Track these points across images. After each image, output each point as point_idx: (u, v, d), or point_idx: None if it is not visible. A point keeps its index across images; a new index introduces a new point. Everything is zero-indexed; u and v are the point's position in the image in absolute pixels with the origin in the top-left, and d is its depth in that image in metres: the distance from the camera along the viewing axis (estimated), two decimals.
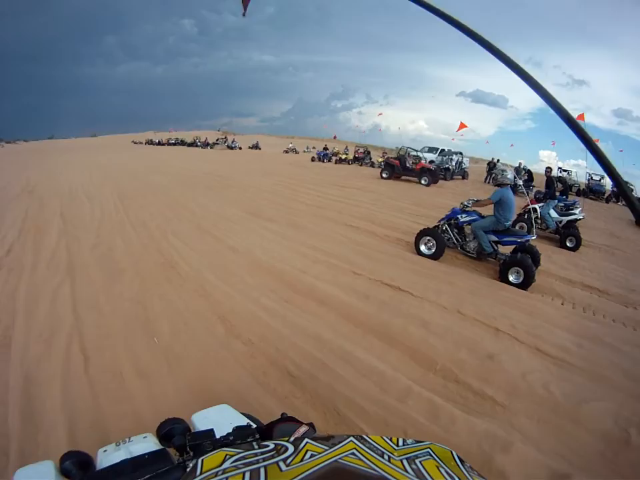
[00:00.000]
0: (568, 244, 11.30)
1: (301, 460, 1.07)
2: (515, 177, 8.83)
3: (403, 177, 23.46)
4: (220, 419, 1.92)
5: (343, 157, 32.98)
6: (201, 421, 1.95)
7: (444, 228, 8.86)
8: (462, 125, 15.25)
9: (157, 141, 59.07)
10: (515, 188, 10.64)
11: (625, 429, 3.72)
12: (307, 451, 1.13)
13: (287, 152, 43.26)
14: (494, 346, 4.99)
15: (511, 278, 7.52)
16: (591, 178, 27.25)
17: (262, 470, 1.00)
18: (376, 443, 1.21)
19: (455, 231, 8.78)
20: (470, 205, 8.73)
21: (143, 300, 5.81)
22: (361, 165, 31.85)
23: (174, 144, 55.14)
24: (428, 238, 8.66)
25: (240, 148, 48.80)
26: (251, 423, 1.69)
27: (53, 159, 33.00)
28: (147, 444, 1.79)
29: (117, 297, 5.92)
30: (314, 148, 46.44)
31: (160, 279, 6.62)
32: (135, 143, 62.13)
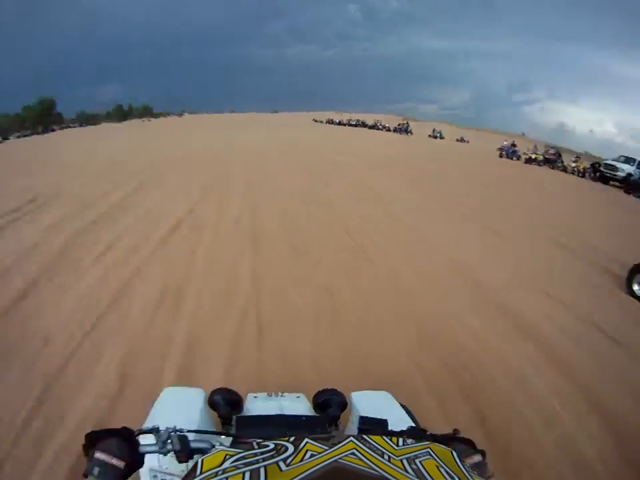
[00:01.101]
0: None
1: (301, 460, 1.07)
2: None
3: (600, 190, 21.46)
4: (378, 405, 1.96)
5: (533, 156, 30.93)
6: (360, 400, 1.96)
7: None
8: None
9: (338, 121, 60.25)
10: None
11: None
12: (306, 450, 1.13)
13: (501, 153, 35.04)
14: None
15: None
16: None
17: (262, 470, 1.01)
18: (376, 443, 1.22)
19: None
20: None
21: (330, 285, 5.65)
22: (552, 168, 29.39)
23: (355, 125, 55.84)
24: None
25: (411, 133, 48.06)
26: (421, 426, 1.55)
27: (233, 130, 35.05)
28: (299, 404, 1.98)
29: (298, 280, 5.81)
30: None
31: (349, 263, 6.51)
32: (316, 121, 63.83)
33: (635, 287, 6.96)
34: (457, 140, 45.78)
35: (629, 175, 23.94)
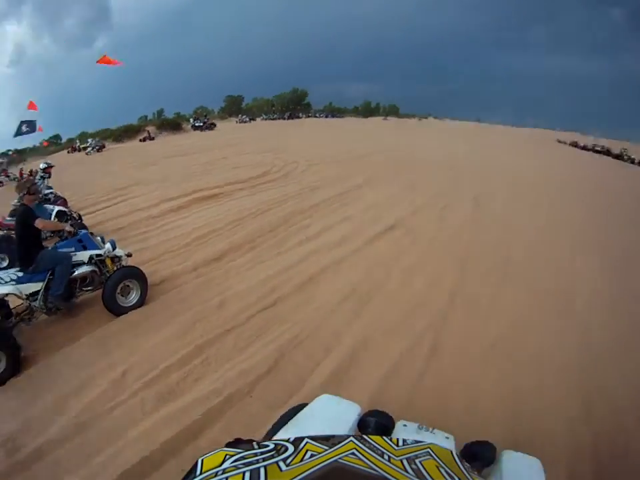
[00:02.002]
0: None
1: (301, 460, 1.11)
2: None
3: None
4: (525, 473, 1.75)
5: None
6: (508, 462, 1.77)
7: None
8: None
9: (582, 145, 53.81)
10: None
11: None
12: (306, 450, 1.17)
13: None
14: None
15: None
16: None
17: (262, 470, 1.04)
18: (376, 443, 1.26)
19: None
20: None
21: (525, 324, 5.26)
22: None
23: (599, 152, 49.50)
24: None
25: None
26: None
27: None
28: (446, 444, 1.73)
29: (498, 300, 5.74)
30: None
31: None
32: (560, 141, 58.24)
33: None
34: None
35: None
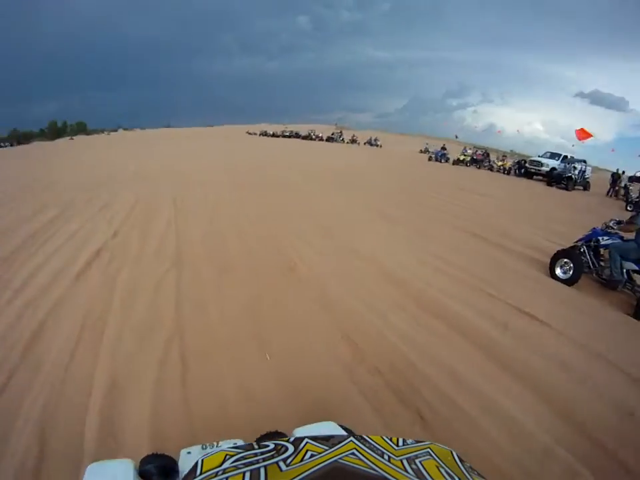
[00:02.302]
0: None
1: (301, 460, 1.09)
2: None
3: (523, 186, 23.05)
4: None
5: (461, 158, 31.99)
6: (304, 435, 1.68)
7: (582, 250, 7.93)
8: (584, 134, 13.49)
9: (272, 132, 59.96)
10: None
11: None
12: (307, 450, 1.15)
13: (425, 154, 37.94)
14: (634, 400, 4.34)
15: None
16: None
17: (262, 470, 1.03)
18: (376, 443, 1.24)
19: (592, 254, 7.83)
20: (615, 227, 7.74)
21: (255, 305, 5.43)
22: (478, 168, 30.99)
23: (288, 136, 55.79)
24: (565, 260, 7.77)
25: (358, 143, 48.51)
26: None
27: (166, 146, 34.15)
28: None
29: (225, 299, 5.56)
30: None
31: (276, 283, 6.19)
32: (250, 133, 63.39)
33: (557, 271, 7.76)
34: (367, 143, 49.45)
35: (553, 169, 26.29)
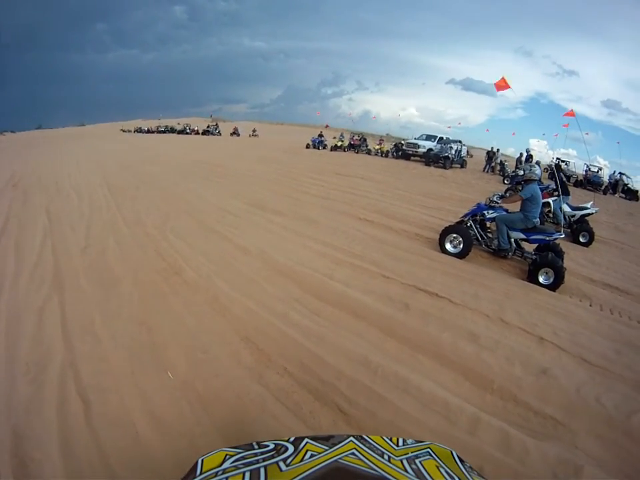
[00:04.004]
0: (581, 239, 10.95)
1: (301, 460, 1.11)
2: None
3: (402, 167, 23.72)
4: None
5: (339, 144, 32.30)
6: None
7: (468, 224, 8.25)
8: (503, 83, 13.84)
9: (146, 128, 58.06)
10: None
11: None
12: (307, 450, 1.16)
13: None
14: (543, 358, 4.63)
15: (540, 279, 7.10)
16: (589, 169, 27.19)
17: (262, 470, 1.05)
18: (376, 443, 1.27)
19: (479, 227, 8.20)
20: (498, 201, 8.15)
21: (147, 319, 4.94)
22: (357, 153, 31.39)
23: (163, 131, 54.28)
24: (454, 235, 8.04)
25: (238, 135, 47.89)
26: None
27: (40, 149, 31.83)
28: None
29: (115, 317, 5.03)
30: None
31: (164, 289, 5.74)
32: (124, 131, 61.01)
33: (447, 246, 8.04)
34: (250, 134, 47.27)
35: (430, 149, 27.29)
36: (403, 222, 10.19)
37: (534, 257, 7.48)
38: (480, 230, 8.14)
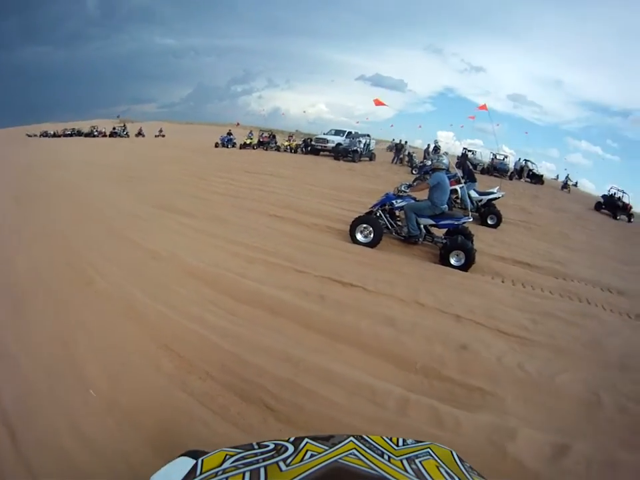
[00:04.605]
0: (489, 222, 11.81)
1: (301, 460, 1.10)
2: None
3: (311, 162, 24.19)
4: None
5: (248, 141, 32.19)
6: None
7: (378, 214, 8.50)
8: (378, 102, 14.50)
9: (52, 132, 55.45)
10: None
11: (595, 393, 4.05)
12: (307, 450, 1.15)
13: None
14: (462, 334, 4.93)
15: (452, 261, 7.54)
16: (495, 157, 28.99)
17: (262, 470, 1.05)
18: (376, 443, 1.24)
19: (388, 216, 8.47)
20: (406, 190, 8.47)
21: (62, 334, 4.70)
22: (266, 150, 31.45)
23: (70, 135, 51.95)
24: (364, 225, 8.28)
25: (143, 135, 46.72)
26: None
27: None
28: None
29: (28, 335, 4.75)
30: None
31: (76, 301, 5.47)
32: (30, 135, 58.05)
33: (358, 236, 8.27)
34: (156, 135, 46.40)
35: (339, 144, 27.79)
36: (314, 216, 10.35)
37: (444, 241, 7.84)
38: (389, 219, 8.40)
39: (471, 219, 8.24)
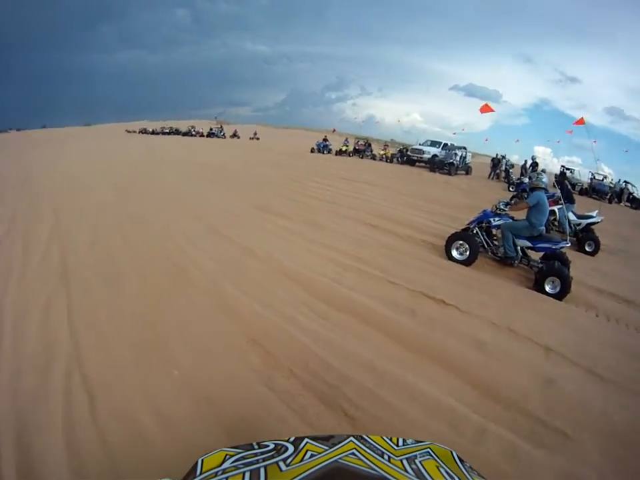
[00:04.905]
0: (587, 248, 10.85)
1: (301, 460, 1.10)
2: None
3: (406, 172, 23.77)
4: None
5: (344, 148, 32.24)
6: None
7: (474, 231, 8.21)
8: (486, 108, 13.85)
9: (151, 130, 57.96)
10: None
11: None
12: (307, 450, 1.16)
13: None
14: (550, 368, 4.59)
15: (547, 287, 7.03)
16: (594, 177, 26.71)
17: (262, 470, 1.04)
18: (376, 443, 1.28)
19: (485, 234, 8.17)
20: (505, 208, 8.13)
21: (153, 318, 4.94)
22: (361, 158, 31.25)
23: (168, 133, 54.17)
24: (460, 242, 8.01)
25: (238, 137, 47.80)
26: None
27: (46, 148, 31.78)
28: None
29: (121, 314, 5.03)
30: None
31: (170, 289, 5.74)
32: (129, 132, 60.89)
33: (454, 253, 7.98)
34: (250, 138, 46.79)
35: (435, 155, 27.27)
36: (408, 227, 10.16)
37: (540, 265, 7.42)
38: (486, 237, 8.11)
39: (569, 244, 7.79)
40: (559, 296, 6.87)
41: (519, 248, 7.71)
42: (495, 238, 8.20)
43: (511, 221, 7.89)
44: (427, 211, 12.46)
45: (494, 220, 8.01)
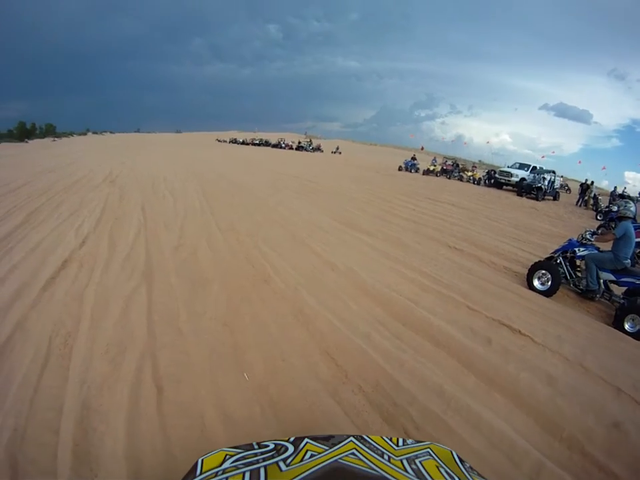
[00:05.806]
0: None
1: (301, 460, 1.12)
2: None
3: (493, 195, 23.25)
4: None
5: (431, 168, 32.06)
6: None
7: (558, 261, 7.95)
8: None
9: (241, 140, 59.53)
10: None
11: None
12: (307, 451, 1.17)
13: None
14: (618, 411, 4.31)
15: (626, 326, 6.56)
16: None
17: (262, 470, 1.05)
18: (376, 443, 1.27)
19: (569, 265, 7.89)
20: (591, 238, 7.78)
21: (231, 321, 5.17)
22: (449, 178, 30.92)
23: (258, 144, 55.48)
24: (543, 272, 7.76)
25: (321, 151, 48.53)
26: None
27: (138, 151, 33.30)
28: None
29: (200, 315, 5.29)
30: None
31: (251, 295, 5.96)
32: (219, 141, 62.75)
33: (535, 283, 7.77)
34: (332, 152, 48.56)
35: (523, 179, 26.56)
36: (492, 253, 9.99)
37: (622, 301, 7.03)
38: (569, 268, 7.84)
39: None
40: (639, 336, 6.47)
41: (601, 281, 7.36)
42: (578, 269, 7.91)
43: (596, 251, 7.56)
44: (511, 237, 12.19)
45: (579, 250, 7.74)
